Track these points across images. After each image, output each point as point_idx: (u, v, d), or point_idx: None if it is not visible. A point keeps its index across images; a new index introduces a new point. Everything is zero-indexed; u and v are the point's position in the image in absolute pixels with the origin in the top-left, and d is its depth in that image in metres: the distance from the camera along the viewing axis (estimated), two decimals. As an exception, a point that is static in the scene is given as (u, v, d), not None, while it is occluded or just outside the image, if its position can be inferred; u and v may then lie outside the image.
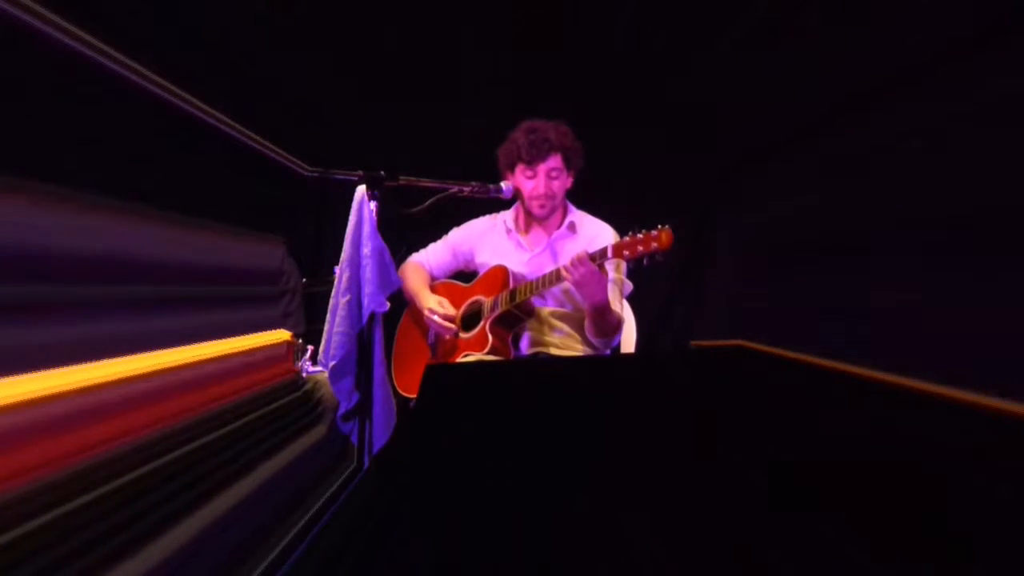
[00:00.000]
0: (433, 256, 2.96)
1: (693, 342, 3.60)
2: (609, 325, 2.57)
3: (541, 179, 2.69)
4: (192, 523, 1.51)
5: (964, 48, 2.41)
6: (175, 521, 1.46)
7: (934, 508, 1.38)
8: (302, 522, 1.95)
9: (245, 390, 2.25)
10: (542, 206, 2.72)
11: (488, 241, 2.88)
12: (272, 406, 2.38)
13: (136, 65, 1.79)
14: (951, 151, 2.37)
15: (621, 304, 2.68)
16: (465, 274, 2.95)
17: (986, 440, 1.56)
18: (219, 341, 2.12)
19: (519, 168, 2.71)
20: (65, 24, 1.52)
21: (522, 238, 2.82)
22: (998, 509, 1.33)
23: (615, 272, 2.66)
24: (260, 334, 2.52)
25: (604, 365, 2.54)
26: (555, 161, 2.69)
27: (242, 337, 2.34)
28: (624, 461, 1.68)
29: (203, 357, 1.98)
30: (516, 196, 2.76)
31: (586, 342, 2.71)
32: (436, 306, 2.77)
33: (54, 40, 1.50)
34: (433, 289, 2.90)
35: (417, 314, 2.88)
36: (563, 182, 2.73)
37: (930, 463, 1.47)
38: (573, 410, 1.81)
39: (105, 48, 1.65)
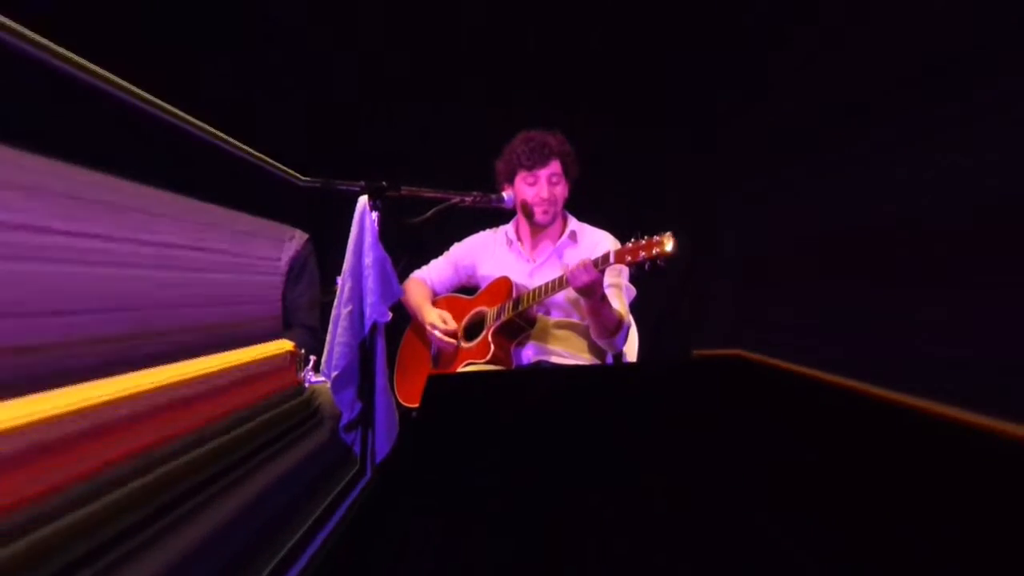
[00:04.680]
0: (435, 272, 2.97)
1: (695, 351, 3.59)
2: (611, 322, 2.58)
3: (543, 184, 2.70)
4: (194, 531, 1.51)
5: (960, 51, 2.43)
6: (178, 529, 1.47)
7: (928, 525, 1.38)
8: (302, 529, 1.95)
9: (247, 403, 2.25)
10: (545, 212, 2.73)
11: (490, 254, 2.89)
12: (273, 413, 2.38)
13: (112, 76, 1.77)
14: (953, 155, 2.38)
15: (625, 308, 2.69)
16: (467, 289, 2.96)
17: (987, 459, 1.55)
18: (220, 355, 2.12)
19: (520, 176, 2.73)
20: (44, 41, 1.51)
21: (524, 249, 2.83)
22: (994, 530, 1.33)
23: (615, 277, 2.67)
24: (261, 346, 2.52)
25: (604, 374, 2.55)
26: (555, 166, 2.71)
27: (243, 350, 2.34)
28: (621, 472, 1.68)
29: (204, 372, 1.98)
30: (516, 207, 2.77)
31: (592, 348, 2.72)
32: (437, 320, 2.79)
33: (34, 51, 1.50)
34: (436, 303, 2.91)
35: (420, 327, 2.89)
36: (563, 188, 2.75)
37: (926, 480, 1.47)
38: (571, 420, 1.81)
39: (78, 59, 1.65)
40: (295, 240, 2.87)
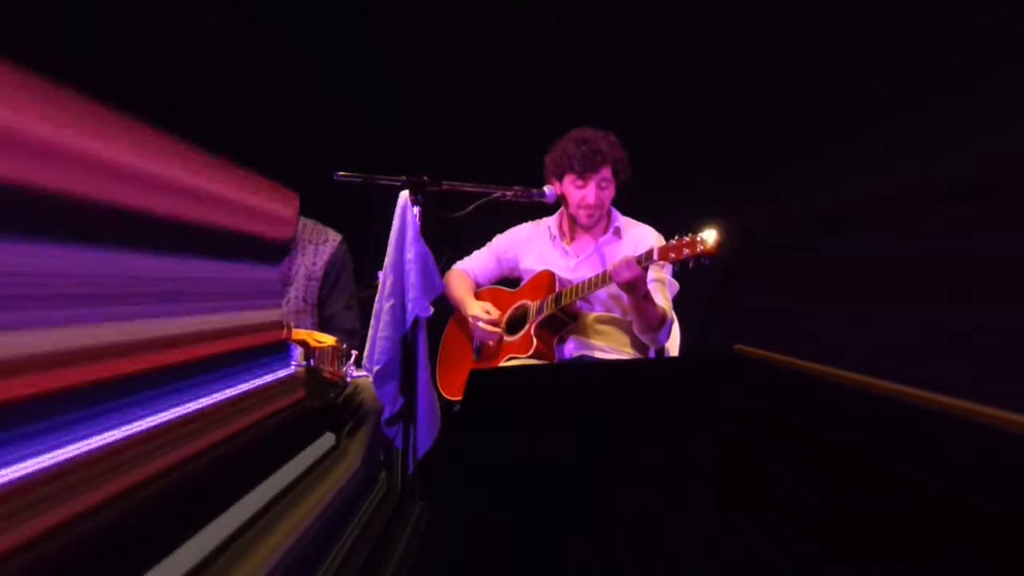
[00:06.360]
0: (477, 263, 2.96)
1: (736, 346, 3.55)
2: (655, 319, 2.56)
3: (592, 189, 2.68)
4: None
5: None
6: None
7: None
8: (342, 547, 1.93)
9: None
10: (590, 215, 2.72)
11: (532, 247, 2.88)
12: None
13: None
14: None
15: (669, 303, 2.67)
16: (509, 281, 2.94)
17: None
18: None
19: (569, 177, 2.70)
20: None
21: (567, 245, 2.82)
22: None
23: (658, 271, 2.65)
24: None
25: (645, 368, 2.52)
26: (606, 172, 2.69)
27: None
28: (660, 474, 1.67)
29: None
30: (559, 202, 2.75)
31: (634, 343, 2.70)
32: (481, 312, 2.78)
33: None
34: (478, 295, 2.90)
35: (462, 319, 2.89)
36: (611, 192, 2.73)
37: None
38: (611, 416, 1.79)
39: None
40: (329, 243, 2.84)
